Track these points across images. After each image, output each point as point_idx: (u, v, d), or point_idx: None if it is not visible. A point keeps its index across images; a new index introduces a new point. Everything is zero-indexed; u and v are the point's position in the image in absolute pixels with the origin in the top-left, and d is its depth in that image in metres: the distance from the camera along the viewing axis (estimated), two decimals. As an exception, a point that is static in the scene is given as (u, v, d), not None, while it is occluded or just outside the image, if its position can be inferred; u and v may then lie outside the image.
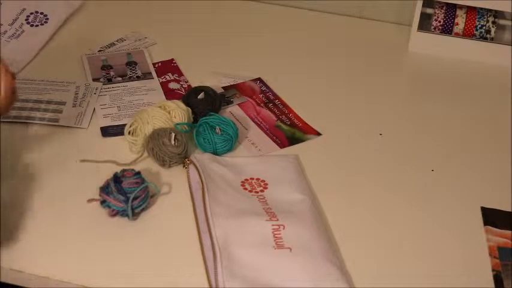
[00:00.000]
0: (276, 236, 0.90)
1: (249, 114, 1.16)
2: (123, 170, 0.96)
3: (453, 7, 1.32)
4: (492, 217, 0.99)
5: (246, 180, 1.01)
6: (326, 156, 1.09)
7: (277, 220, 0.93)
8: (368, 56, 1.32)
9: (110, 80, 1.20)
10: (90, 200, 0.96)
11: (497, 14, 1.31)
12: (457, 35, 1.32)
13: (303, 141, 1.11)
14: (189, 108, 1.08)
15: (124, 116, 1.12)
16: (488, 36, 1.31)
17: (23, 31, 1.29)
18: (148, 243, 0.92)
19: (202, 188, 0.97)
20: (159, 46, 1.30)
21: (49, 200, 0.96)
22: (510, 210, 1.01)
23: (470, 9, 1.31)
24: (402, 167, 1.07)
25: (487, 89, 1.26)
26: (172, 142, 1.01)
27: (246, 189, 0.99)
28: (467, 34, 1.31)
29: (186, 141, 1.03)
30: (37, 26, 1.31)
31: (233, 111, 1.16)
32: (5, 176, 0.98)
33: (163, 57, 1.27)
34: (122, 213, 0.94)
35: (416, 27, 1.32)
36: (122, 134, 1.07)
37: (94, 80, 1.20)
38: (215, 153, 1.05)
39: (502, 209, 1.01)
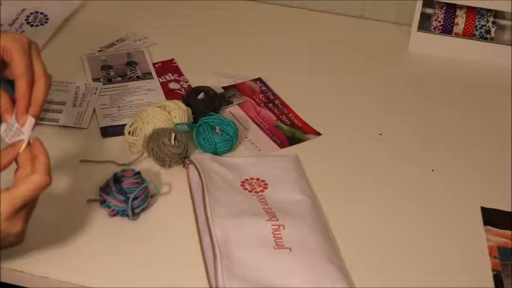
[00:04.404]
0: (276, 236, 0.90)
1: (249, 114, 1.16)
2: (123, 170, 0.96)
3: (453, 7, 1.32)
4: (492, 217, 0.99)
5: (246, 180, 1.01)
6: (326, 156, 1.09)
7: (277, 220, 0.93)
8: (368, 56, 1.32)
9: (110, 80, 1.20)
10: (90, 200, 0.96)
11: (497, 14, 1.31)
12: (457, 35, 1.32)
13: (303, 141, 1.11)
14: (189, 108, 1.08)
15: (124, 116, 1.12)
16: (488, 36, 1.31)
17: (23, 31, 1.29)
18: (148, 243, 0.92)
19: (202, 188, 0.97)
20: (159, 46, 1.30)
21: (49, 200, 0.96)
22: (510, 210, 1.01)
23: (470, 9, 1.31)
24: (402, 167, 1.07)
25: (487, 89, 1.26)
26: (172, 142, 1.01)
27: (246, 189, 0.99)
28: (467, 34, 1.31)
29: (186, 141, 1.03)
30: (37, 26, 1.31)
31: (233, 111, 1.16)
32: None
33: (163, 57, 1.27)
34: (122, 213, 0.94)
35: (416, 27, 1.32)
36: (122, 134, 1.07)
37: (94, 80, 1.20)
38: (215, 153, 1.05)
39: (502, 209, 1.01)
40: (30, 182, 0.80)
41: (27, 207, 0.82)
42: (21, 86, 0.84)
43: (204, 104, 1.11)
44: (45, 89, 0.86)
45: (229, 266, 0.87)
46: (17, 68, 0.84)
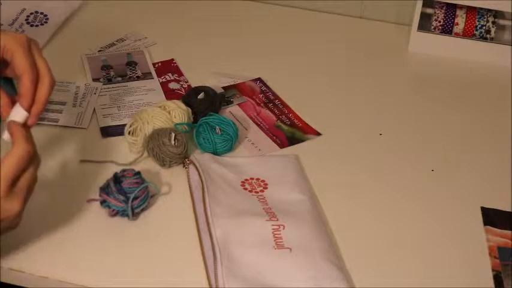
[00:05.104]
0: (276, 236, 0.90)
1: (249, 114, 1.16)
2: (123, 170, 0.96)
3: (453, 7, 1.32)
4: (492, 217, 0.99)
5: (246, 180, 1.01)
6: (326, 156, 1.09)
7: (277, 220, 0.93)
8: (368, 56, 1.32)
9: (110, 80, 1.20)
10: (90, 200, 0.96)
11: (497, 14, 1.30)
12: (457, 35, 1.32)
13: (303, 141, 1.11)
14: (189, 108, 1.08)
15: (124, 116, 1.12)
16: (488, 36, 1.31)
17: (23, 31, 1.29)
18: (148, 243, 0.92)
19: (202, 188, 0.97)
20: (159, 46, 1.30)
21: (49, 200, 0.96)
22: (510, 210, 1.01)
23: (470, 9, 1.31)
24: (402, 167, 1.07)
25: (487, 89, 1.26)
26: (172, 142, 1.01)
27: (246, 189, 0.99)
28: (467, 34, 1.31)
29: (186, 141, 1.03)
30: (37, 26, 1.31)
31: (233, 111, 1.16)
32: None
33: (163, 57, 1.27)
34: (122, 213, 0.94)
35: (416, 27, 1.32)
36: (122, 134, 1.07)
37: (94, 80, 1.20)
38: (215, 153, 1.05)
39: (502, 209, 1.01)
40: (12, 153, 0.80)
41: (22, 184, 0.81)
42: (24, 82, 0.84)
43: (204, 104, 1.11)
44: (50, 88, 0.86)
45: (229, 266, 0.87)
46: (20, 65, 0.84)
